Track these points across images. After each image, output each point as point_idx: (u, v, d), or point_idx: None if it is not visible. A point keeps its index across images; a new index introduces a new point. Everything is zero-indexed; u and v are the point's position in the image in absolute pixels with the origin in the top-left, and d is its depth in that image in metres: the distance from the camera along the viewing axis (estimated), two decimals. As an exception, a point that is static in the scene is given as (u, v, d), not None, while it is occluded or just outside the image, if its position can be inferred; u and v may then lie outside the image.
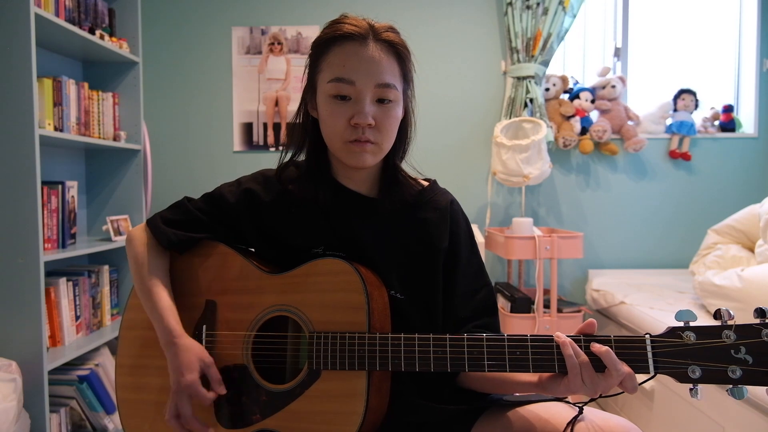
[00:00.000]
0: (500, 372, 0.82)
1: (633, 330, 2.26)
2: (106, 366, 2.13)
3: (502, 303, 2.55)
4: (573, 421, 0.83)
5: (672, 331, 0.76)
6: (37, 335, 1.75)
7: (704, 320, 2.01)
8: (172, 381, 0.91)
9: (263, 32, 2.97)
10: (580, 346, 0.78)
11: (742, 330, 0.73)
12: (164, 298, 0.97)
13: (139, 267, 1.00)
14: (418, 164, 1.04)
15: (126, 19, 2.42)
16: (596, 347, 0.77)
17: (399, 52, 0.93)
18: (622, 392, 0.78)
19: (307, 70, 0.98)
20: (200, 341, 0.97)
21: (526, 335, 0.81)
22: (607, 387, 0.77)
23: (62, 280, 2.00)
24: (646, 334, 0.77)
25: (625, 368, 0.76)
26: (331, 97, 0.91)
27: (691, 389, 0.75)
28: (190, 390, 0.89)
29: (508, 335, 0.82)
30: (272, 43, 2.96)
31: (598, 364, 0.77)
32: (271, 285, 0.96)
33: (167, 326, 0.94)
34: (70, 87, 2.08)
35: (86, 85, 2.20)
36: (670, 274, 2.85)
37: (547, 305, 2.45)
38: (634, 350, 0.77)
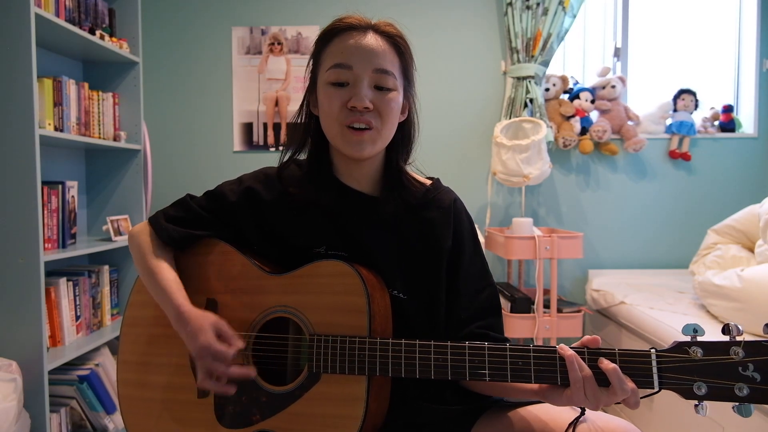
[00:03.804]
0: (501, 382, 0.82)
1: (633, 330, 2.26)
2: (107, 366, 2.13)
3: (502, 303, 2.55)
4: (575, 423, 0.83)
5: (678, 346, 0.74)
6: (37, 335, 1.75)
7: (706, 320, 2.01)
8: (191, 350, 0.90)
9: (263, 32, 2.96)
10: (584, 359, 0.77)
11: (751, 347, 0.71)
12: (169, 276, 0.97)
13: (143, 254, 1.00)
14: (418, 164, 1.05)
15: (126, 19, 2.42)
16: (604, 364, 0.75)
17: (398, 45, 0.95)
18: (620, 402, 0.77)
19: (309, 68, 0.99)
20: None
21: (529, 346, 0.80)
22: (610, 402, 0.76)
23: (62, 280, 2.00)
24: (652, 348, 0.76)
25: (631, 385, 0.74)
26: (329, 84, 0.92)
27: (696, 405, 0.73)
28: (208, 350, 0.87)
29: (510, 345, 0.81)
30: (272, 43, 2.96)
31: (601, 378, 0.75)
32: (272, 285, 0.96)
33: (174, 302, 0.93)
34: (70, 87, 2.08)
35: (86, 85, 2.19)
36: (670, 274, 2.84)
37: (547, 305, 2.45)
38: (638, 365, 0.75)
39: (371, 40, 0.92)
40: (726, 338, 0.73)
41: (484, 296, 0.99)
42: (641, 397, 0.76)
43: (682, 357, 0.74)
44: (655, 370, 0.74)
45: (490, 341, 0.85)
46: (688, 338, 0.75)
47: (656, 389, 0.75)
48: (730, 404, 0.73)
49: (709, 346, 0.73)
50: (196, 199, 1.05)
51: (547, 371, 0.79)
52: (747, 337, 0.73)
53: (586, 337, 0.80)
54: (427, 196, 1.01)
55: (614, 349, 0.77)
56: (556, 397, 0.80)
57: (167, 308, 0.95)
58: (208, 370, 0.87)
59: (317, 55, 0.96)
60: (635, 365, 0.75)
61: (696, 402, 0.73)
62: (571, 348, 0.78)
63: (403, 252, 0.97)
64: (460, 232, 1.00)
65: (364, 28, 0.93)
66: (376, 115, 0.91)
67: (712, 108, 3.07)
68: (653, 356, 0.75)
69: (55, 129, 1.99)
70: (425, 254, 0.98)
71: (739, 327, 0.72)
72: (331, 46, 0.93)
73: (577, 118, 2.93)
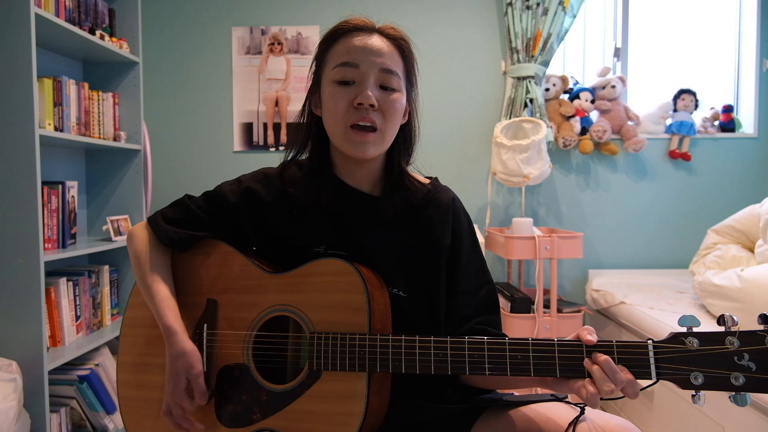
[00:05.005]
0: (501, 375, 0.82)
1: (633, 330, 2.26)
2: (107, 366, 2.13)
3: (502, 303, 2.55)
4: (575, 422, 0.83)
5: (675, 337, 0.75)
6: (37, 335, 1.75)
7: (705, 320, 2.01)
8: (166, 380, 0.94)
9: (263, 32, 2.96)
10: (581, 353, 0.78)
11: (746, 336, 0.72)
12: (163, 293, 0.97)
13: (140, 264, 1.00)
14: (418, 164, 1.05)
15: (126, 19, 2.42)
16: (596, 356, 0.76)
17: (403, 48, 0.96)
18: (623, 396, 0.78)
19: (312, 68, 1.00)
20: (201, 340, 0.97)
21: (528, 339, 0.81)
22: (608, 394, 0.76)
23: (62, 280, 2.00)
24: (649, 339, 0.77)
25: (626, 376, 0.75)
26: (335, 83, 0.92)
27: (693, 396, 0.74)
28: (173, 396, 0.92)
29: (509, 339, 0.82)
30: (272, 43, 2.96)
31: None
32: (272, 284, 0.96)
33: (164, 323, 0.95)
34: (70, 87, 2.08)
35: (86, 85, 2.20)
36: (670, 274, 2.85)
37: (547, 305, 2.45)
38: (636, 356, 0.76)
39: (377, 40, 0.93)
40: (721, 329, 0.74)
41: (482, 293, 1.00)
42: (641, 389, 0.77)
43: (679, 347, 0.75)
44: (652, 360, 0.75)
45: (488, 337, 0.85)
46: (684, 329, 0.76)
47: (654, 380, 0.76)
48: (727, 395, 0.74)
49: (705, 337, 0.74)
50: (195, 200, 1.05)
51: (547, 364, 0.79)
52: None
53: (583, 330, 0.79)
54: (427, 196, 1.01)
55: (612, 341, 0.78)
56: (559, 387, 0.81)
57: (160, 326, 0.96)
58: (171, 409, 0.92)
59: (322, 55, 0.97)
60: (633, 356, 0.76)
61: (693, 392, 0.74)
62: (566, 341, 0.79)
63: (403, 251, 0.98)
64: (459, 230, 1.01)
65: (370, 29, 0.94)
66: (380, 115, 0.92)
67: (712, 108, 3.07)
68: (650, 347, 0.76)
69: (55, 129, 1.99)
70: (425, 253, 0.98)
71: (734, 318, 0.73)
72: (338, 46, 0.94)
73: (577, 118, 2.93)
